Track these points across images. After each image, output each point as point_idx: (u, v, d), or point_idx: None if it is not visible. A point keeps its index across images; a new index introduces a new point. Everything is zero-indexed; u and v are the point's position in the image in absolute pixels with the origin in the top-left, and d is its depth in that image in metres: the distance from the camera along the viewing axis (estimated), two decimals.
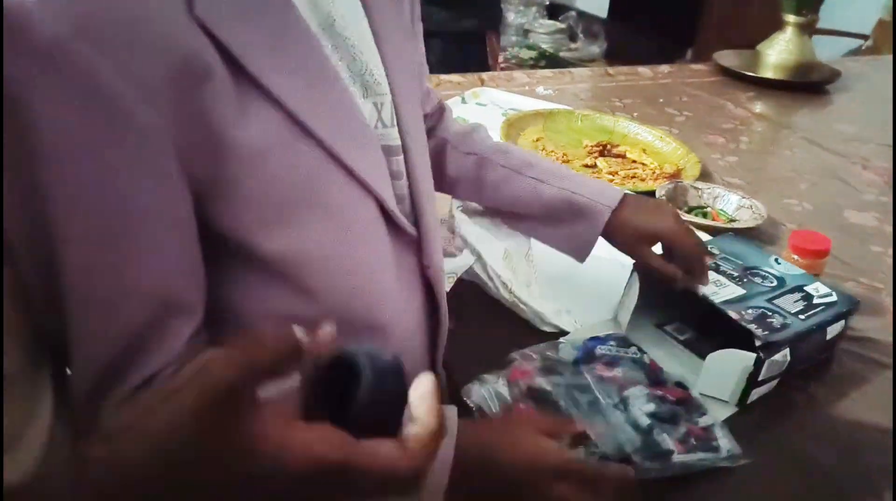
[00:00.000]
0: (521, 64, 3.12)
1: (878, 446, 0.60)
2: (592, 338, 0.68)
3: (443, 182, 0.76)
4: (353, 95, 0.49)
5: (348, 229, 0.49)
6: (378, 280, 0.53)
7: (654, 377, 0.63)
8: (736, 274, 0.71)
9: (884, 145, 1.31)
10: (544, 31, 3.43)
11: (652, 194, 0.99)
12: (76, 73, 0.36)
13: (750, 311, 0.64)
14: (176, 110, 0.39)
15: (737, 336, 0.63)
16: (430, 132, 0.76)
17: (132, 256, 0.41)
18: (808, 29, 1.64)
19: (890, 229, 1.00)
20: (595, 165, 1.14)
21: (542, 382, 0.61)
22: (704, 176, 1.12)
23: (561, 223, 0.71)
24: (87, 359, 0.42)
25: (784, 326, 0.63)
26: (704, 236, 0.83)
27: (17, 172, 0.37)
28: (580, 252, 0.71)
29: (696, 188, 1.03)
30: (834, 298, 0.69)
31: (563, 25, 3.44)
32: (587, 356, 0.65)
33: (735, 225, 0.94)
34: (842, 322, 0.68)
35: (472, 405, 0.60)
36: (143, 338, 0.42)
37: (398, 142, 0.53)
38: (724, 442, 0.57)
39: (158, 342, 0.43)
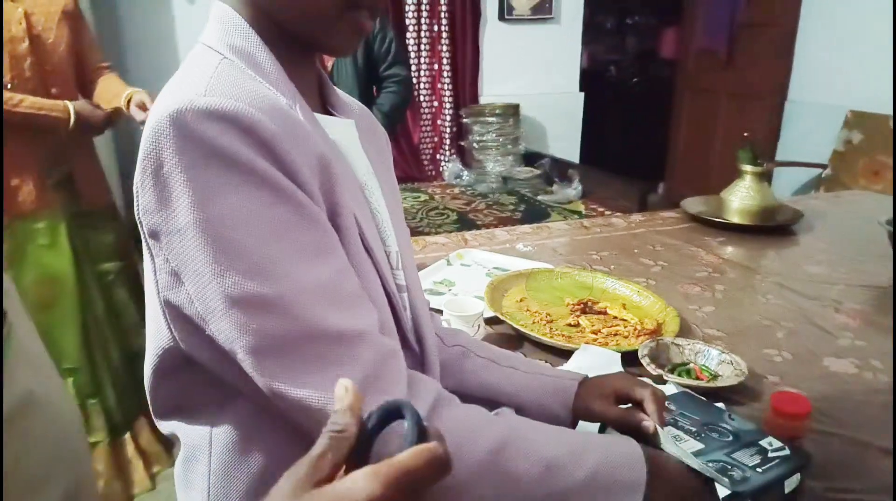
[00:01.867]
0: (502, 210, 3.26)
1: None
2: None
3: None
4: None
5: (384, 328, 0.60)
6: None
7: None
8: (694, 429, 0.74)
9: (853, 286, 1.37)
10: (522, 178, 3.63)
11: (635, 352, 1.02)
12: (281, 153, 0.51)
13: (711, 464, 0.67)
14: (320, 190, 0.54)
15: None
16: None
17: (344, 272, 0.55)
18: (766, 175, 1.76)
19: (869, 375, 1.03)
20: (578, 324, 1.18)
21: None
22: (684, 329, 1.16)
23: (533, 403, 0.78)
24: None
25: (744, 479, 0.66)
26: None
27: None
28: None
29: (677, 345, 1.06)
30: (787, 452, 0.71)
31: (538, 171, 3.65)
32: None
33: (719, 383, 0.96)
34: (798, 476, 0.70)
35: None
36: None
37: (403, 281, 0.68)
38: None
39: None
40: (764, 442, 0.72)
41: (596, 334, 1.13)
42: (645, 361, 1.00)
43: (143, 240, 0.54)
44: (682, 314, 1.21)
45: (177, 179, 0.48)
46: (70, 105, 1.64)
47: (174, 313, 0.54)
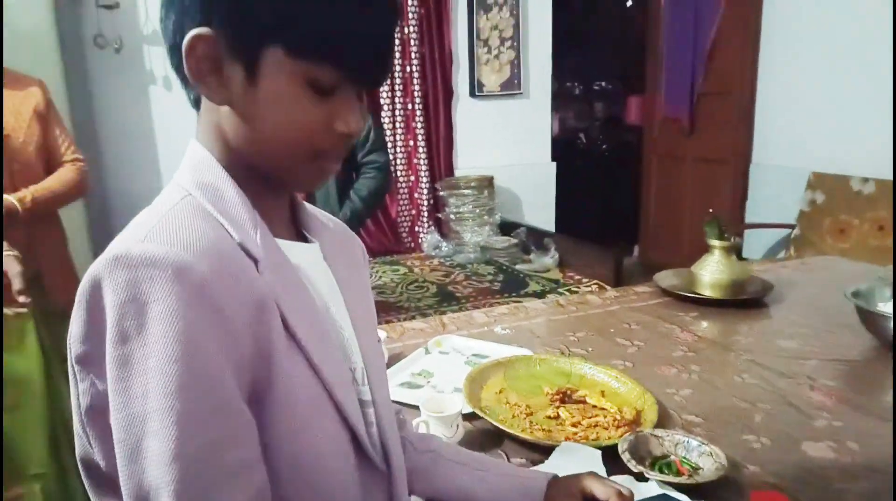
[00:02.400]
0: (480, 281, 3.29)
1: None
2: None
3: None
4: (342, 358, 0.67)
5: (336, 452, 0.63)
6: (348, 495, 0.64)
7: None
8: None
9: (825, 360, 1.39)
10: (500, 247, 3.68)
11: (615, 447, 1.02)
12: (211, 297, 0.53)
13: None
14: (253, 335, 0.55)
15: None
16: None
17: (235, 440, 0.54)
18: (734, 249, 1.81)
19: (847, 459, 1.04)
20: (558, 416, 1.17)
21: None
22: (663, 416, 1.16)
23: None
24: None
25: None
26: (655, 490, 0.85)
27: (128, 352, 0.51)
28: None
29: (656, 437, 1.06)
30: None
31: (515, 241, 3.70)
32: None
33: (700, 479, 0.96)
34: None
35: None
36: None
37: (369, 397, 0.70)
38: None
39: None
40: None
41: (576, 426, 1.13)
42: (625, 456, 1.00)
43: (69, 363, 0.58)
44: (661, 398, 1.21)
45: (100, 317, 0.52)
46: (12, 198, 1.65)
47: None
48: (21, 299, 1.54)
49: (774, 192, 3.91)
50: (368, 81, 0.62)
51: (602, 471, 0.97)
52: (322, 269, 0.70)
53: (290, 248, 0.66)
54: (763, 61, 3.89)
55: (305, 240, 0.72)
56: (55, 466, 1.71)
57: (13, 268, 1.55)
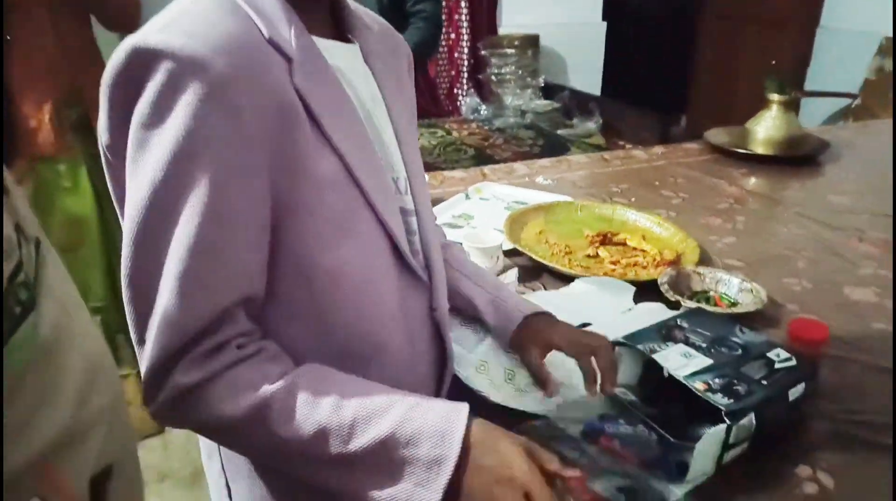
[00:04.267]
0: (520, 145, 3.22)
1: None
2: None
3: None
4: (383, 165, 0.64)
5: (373, 261, 0.62)
6: (386, 306, 0.64)
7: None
8: (704, 345, 0.76)
9: (878, 215, 1.35)
10: (541, 112, 3.57)
11: (654, 282, 1.03)
12: (226, 97, 0.51)
13: (718, 380, 0.70)
14: (274, 139, 0.53)
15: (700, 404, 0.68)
16: None
17: (234, 246, 0.53)
18: (793, 105, 1.71)
19: (890, 303, 1.03)
20: (597, 255, 1.18)
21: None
22: (704, 260, 1.16)
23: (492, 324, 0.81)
24: (170, 327, 0.52)
25: (749, 392, 0.69)
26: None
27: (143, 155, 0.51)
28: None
29: (698, 274, 1.06)
30: (793, 362, 0.74)
31: (558, 105, 3.58)
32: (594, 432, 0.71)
33: (738, 309, 0.97)
34: (802, 384, 0.72)
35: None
36: (225, 314, 0.53)
37: (412, 206, 0.69)
38: None
39: (233, 320, 0.54)
40: (771, 354, 0.75)
41: (615, 264, 1.14)
42: (664, 288, 1.01)
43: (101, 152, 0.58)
44: (703, 245, 1.20)
45: (118, 108, 0.52)
46: None
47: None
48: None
49: (839, 58, 3.64)
50: None
51: (630, 305, 0.99)
52: (363, 73, 0.67)
53: (330, 48, 0.61)
54: None
55: (346, 41, 0.67)
56: (111, 298, 1.82)
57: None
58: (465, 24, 3.83)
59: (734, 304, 1.00)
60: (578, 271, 1.09)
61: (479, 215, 1.39)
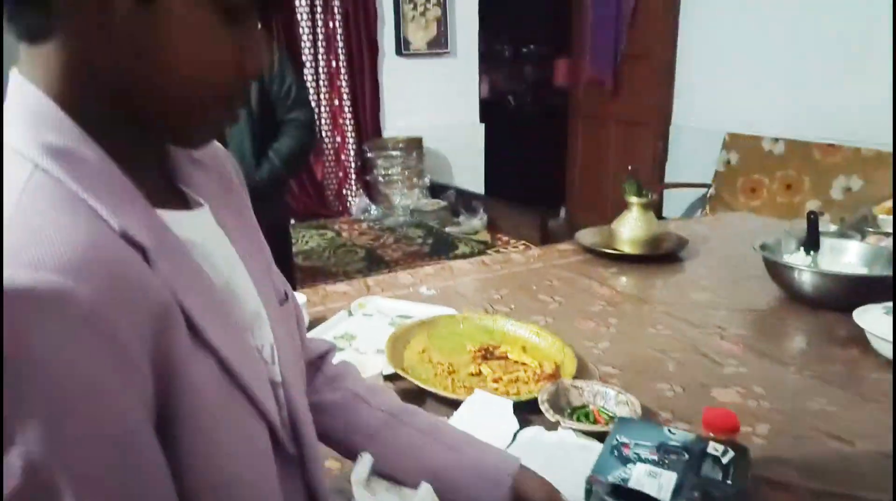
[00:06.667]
0: (410, 244, 3.27)
1: None
2: None
3: (356, 436, 0.78)
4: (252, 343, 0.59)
5: (251, 447, 0.56)
6: (265, 488, 0.58)
7: None
8: (654, 458, 0.73)
9: (734, 310, 1.46)
10: (429, 210, 3.66)
11: (535, 400, 1.03)
12: (99, 325, 0.42)
13: (696, 493, 0.67)
14: (150, 351, 0.45)
15: None
16: (335, 384, 0.82)
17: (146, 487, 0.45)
18: (651, 205, 1.85)
19: (753, 403, 1.09)
20: (480, 372, 1.18)
21: None
22: (581, 369, 1.19)
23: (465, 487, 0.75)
24: None
25: (726, 496, 0.67)
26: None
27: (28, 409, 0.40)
28: None
29: (576, 388, 1.08)
30: (732, 453, 0.73)
31: (444, 203, 3.70)
32: None
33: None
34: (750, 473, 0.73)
35: None
36: None
37: (279, 378, 0.62)
38: None
39: None
40: (710, 450, 0.74)
41: (497, 382, 1.14)
42: (544, 407, 1.01)
43: None
44: (580, 351, 1.24)
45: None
46: None
47: None
48: None
49: (692, 152, 4.04)
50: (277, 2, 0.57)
51: (513, 422, 0.99)
52: (216, 238, 0.59)
53: (179, 220, 0.53)
54: (683, 26, 3.98)
55: (185, 200, 0.59)
56: None
57: None
58: (350, 127, 3.93)
59: (612, 417, 1.02)
60: (462, 394, 1.08)
61: (361, 335, 1.37)
